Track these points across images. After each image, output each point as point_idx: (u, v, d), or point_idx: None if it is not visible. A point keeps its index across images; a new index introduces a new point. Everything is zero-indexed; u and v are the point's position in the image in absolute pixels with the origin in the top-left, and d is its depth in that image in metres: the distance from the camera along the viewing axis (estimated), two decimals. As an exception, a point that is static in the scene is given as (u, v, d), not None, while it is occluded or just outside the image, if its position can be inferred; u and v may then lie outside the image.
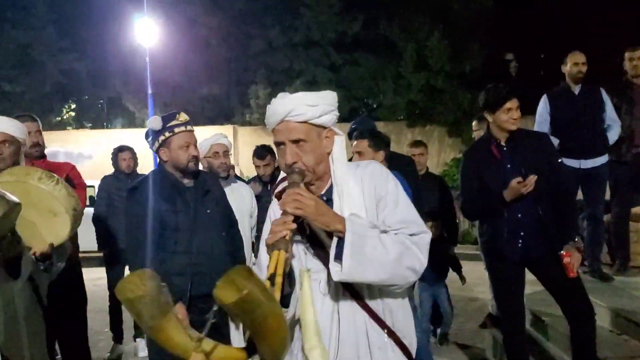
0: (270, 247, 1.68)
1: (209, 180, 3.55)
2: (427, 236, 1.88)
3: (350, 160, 4.08)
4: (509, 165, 3.54)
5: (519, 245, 3.51)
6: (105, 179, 6.04)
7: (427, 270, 3.57)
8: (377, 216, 1.89)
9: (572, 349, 3.59)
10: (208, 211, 3.34)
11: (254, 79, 18.12)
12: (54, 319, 3.89)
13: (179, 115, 3.31)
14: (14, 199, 2.21)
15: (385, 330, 1.89)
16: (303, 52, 18.33)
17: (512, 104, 3.49)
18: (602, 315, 4.45)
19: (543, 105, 5.39)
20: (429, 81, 17.59)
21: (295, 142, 1.87)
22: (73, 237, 3.94)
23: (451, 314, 5.63)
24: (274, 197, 2.05)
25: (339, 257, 1.75)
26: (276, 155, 5.23)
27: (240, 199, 4.44)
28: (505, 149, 3.59)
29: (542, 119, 5.36)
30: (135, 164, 6.03)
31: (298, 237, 1.90)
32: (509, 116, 3.50)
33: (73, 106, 20.74)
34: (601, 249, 5.44)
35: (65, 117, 20.66)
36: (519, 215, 3.49)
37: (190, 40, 17.70)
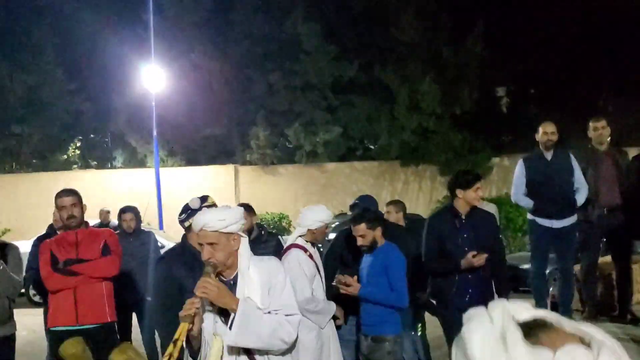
0: (181, 318, 2.46)
1: None
2: (297, 317, 2.66)
3: (347, 230, 4.67)
4: (465, 235, 4.36)
5: (467, 298, 4.29)
6: None
7: (405, 315, 4.21)
8: (267, 298, 2.64)
9: None
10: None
11: (254, 120, 18.88)
12: None
13: (209, 198, 3.76)
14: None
15: None
16: (301, 94, 19.14)
17: (480, 184, 4.40)
18: None
19: (519, 169, 6.03)
20: (421, 123, 18.40)
21: (210, 244, 2.61)
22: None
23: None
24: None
25: (231, 327, 2.54)
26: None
27: None
28: (464, 220, 4.39)
29: (518, 181, 6.00)
30: (138, 222, 6.46)
31: (210, 308, 2.67)
32: (476, 194, 4.36)
33: (78, 144, 21.38)
34: (572, 299, 6.05)
35: (71, 155, 21.28)
36: (469, 276, 4.32)
37: (194, 83, 18.48)
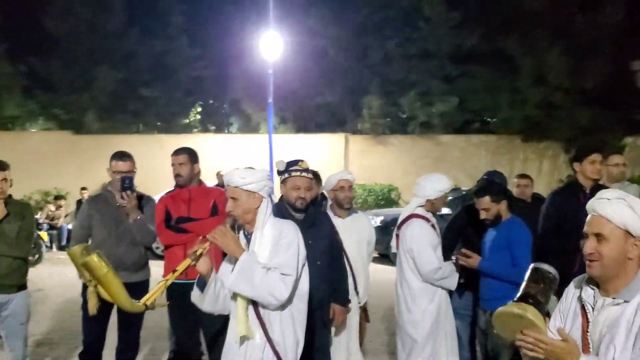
0: (188, 255, 2.82)
1: (318, 216, 4.04)
2: (292, 278, 2.81)
3: (470, 205, 4.39)
4: None
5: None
6: None
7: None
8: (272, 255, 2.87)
9: None
10: (310, 242, 3.72)
11: (368, 88, 18.63)
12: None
13: (301, 163, 3.76)
14: None
15: (261, 334, 2.83)
16: (418, 63, 18.60)
17: (596, 157, 4.19)
18: None
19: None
20: (546, 97, 17.23)
21: (232, 198, 2.92)
22: None
23: None
24: None
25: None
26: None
27: (361, 227, 4.79)
28: (588, 195, 4.06)
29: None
30: None
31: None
32: (593, 167, 4.22)
33: (199, 109, 22.35)
34: None
35: (192, 119, 22.31)
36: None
37: (310, 50, 18.52)
